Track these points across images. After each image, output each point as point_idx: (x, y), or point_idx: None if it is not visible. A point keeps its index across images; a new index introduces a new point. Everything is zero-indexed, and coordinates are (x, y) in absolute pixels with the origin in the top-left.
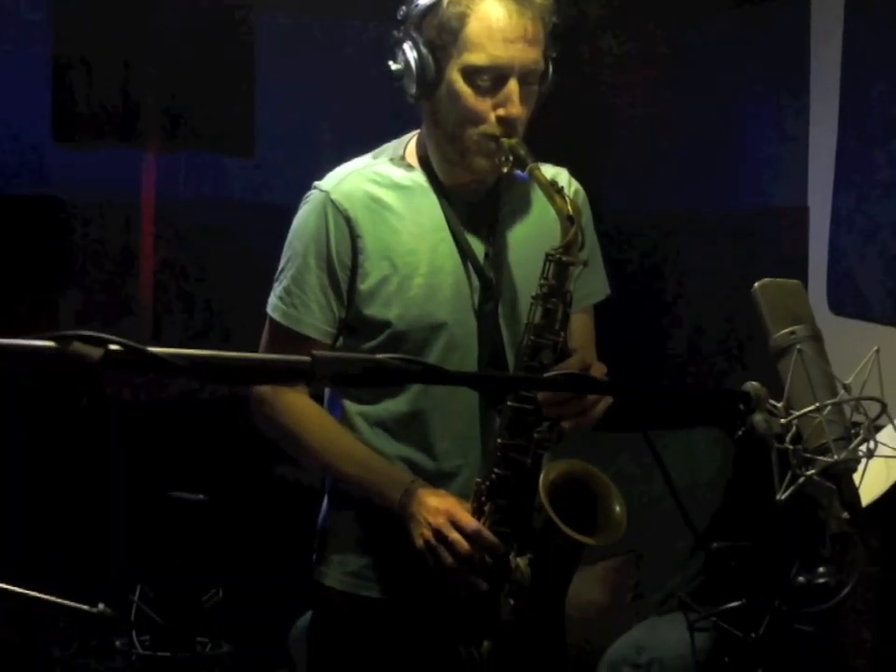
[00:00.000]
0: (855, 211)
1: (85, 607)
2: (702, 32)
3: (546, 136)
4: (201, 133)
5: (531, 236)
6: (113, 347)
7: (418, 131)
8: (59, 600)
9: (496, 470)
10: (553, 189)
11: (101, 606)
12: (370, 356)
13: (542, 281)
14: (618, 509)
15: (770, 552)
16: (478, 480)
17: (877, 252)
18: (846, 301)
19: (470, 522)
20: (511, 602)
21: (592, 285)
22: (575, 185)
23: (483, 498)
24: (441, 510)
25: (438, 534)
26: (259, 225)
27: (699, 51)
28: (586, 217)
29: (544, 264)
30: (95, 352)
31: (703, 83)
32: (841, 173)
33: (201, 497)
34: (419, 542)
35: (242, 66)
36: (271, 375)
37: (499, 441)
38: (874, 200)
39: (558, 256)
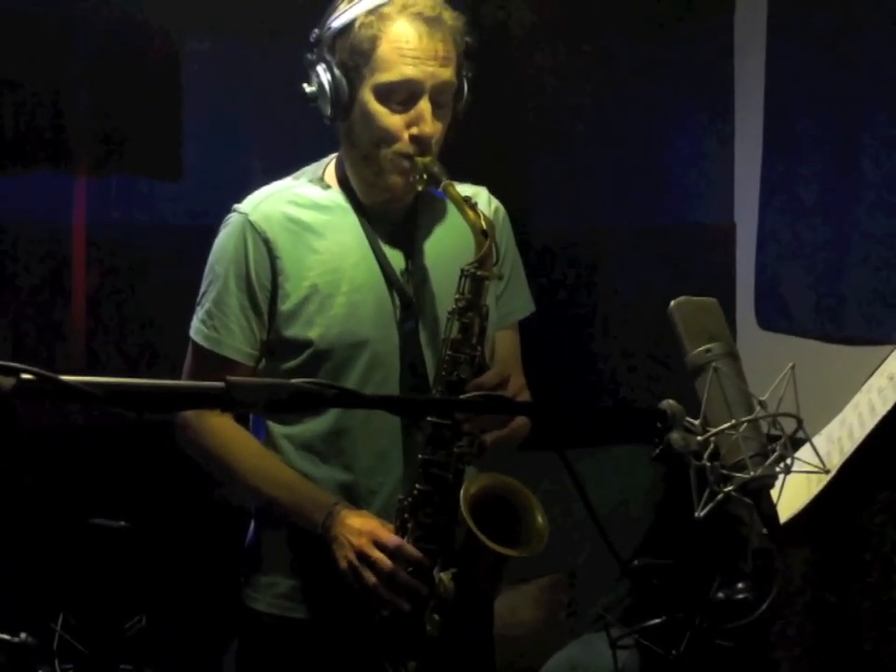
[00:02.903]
0: (781, 227)
1: (7, 636)
2: (627, 50)
3: (470, 154)
4: (128, 157)
5: (449, 252)
6: (25, 376)
7: (336, 154)
8: None
9: (418, 486)
10: (466, 204)
11: (23, 635)
12: (285, 381)
13: (458, 296)
14: (540, 520)
15: (693, 568)
16: (400, 497)
17: (804, 267)
18: (774, 316)
19: (392, 539)
20: (436, 618)
21: (515, 302)
22: (495, 203)
23: (406, 515)
24: (364, 531)
25: (360, 555)
26: (189, 248)
27: (624, 69)
28: (507, 235)
29: (460, 279)
30: (6, 381)
31: (628, 100)
32: (766, 189)
33: (122, 523)
34: (343, 564)
35: (169, 89)
36: (186, 402)
37: (421, 456)
38: (799, 215)
39: (473, 270)
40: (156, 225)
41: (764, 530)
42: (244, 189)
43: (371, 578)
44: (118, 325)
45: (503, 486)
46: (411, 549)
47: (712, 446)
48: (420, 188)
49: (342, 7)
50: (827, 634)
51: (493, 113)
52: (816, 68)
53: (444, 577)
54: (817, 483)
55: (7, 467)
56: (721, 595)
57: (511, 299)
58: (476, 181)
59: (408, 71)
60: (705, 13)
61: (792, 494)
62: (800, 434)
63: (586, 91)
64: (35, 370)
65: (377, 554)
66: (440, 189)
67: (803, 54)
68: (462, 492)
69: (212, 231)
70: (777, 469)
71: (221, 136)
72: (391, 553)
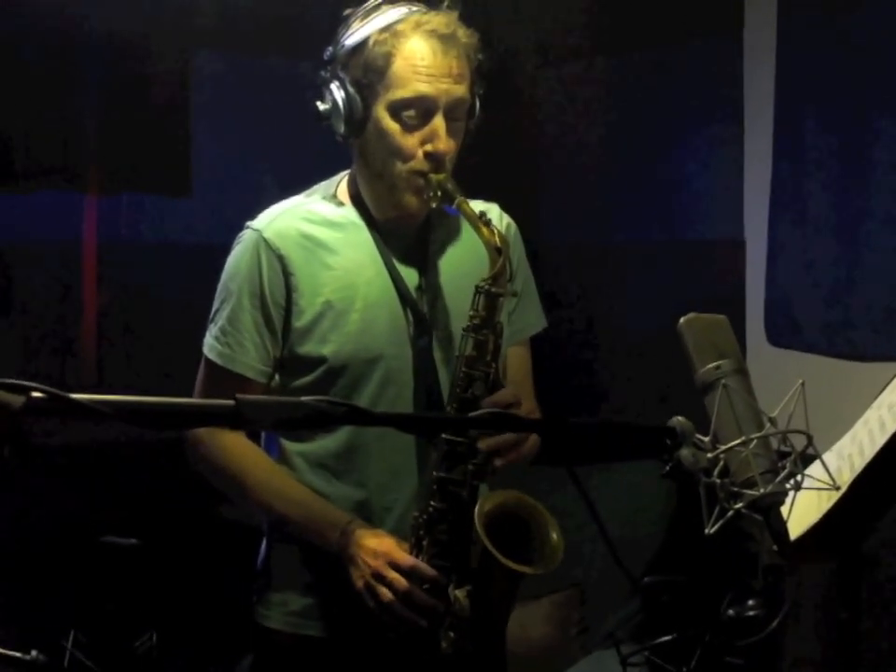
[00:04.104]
0: (791, 242)
1: (18, 654)
2: (636, 64)
3: (480, 170)
4: (138, 175)
5: (463, 269)
6: (35, 394)
7: (349, 171)
8: None
9: (432, 504)
10: (480, 221)
11: (34, 653)
12: (295, 399)
13: (472, 313)
14: (555, 537)
15: (704, 585)
16: (415, 514)
17: (813, 283)
18: (784, 332)
19: (407, 559)
20: (451, 635)
21: (528, 317)
22: (506, 219)
23: (422, 533)
24: (380, 551)
25: (376, 575)
26: (199, 265)
27: (634, 84)
28: (519, 251)
29: (474, 296)
30: (16, 399)
31: (637, 115)
32: (776, 204)
33: (133, 541)
34: (359, 584)
35: (178, 107)
36: (196, 419)
37: (435, 474)
38: (809, 231)
39: (487, 287)
40: (166, 242)
41: (775, 547)
42: (253, 207)
43: (387, 595)
44: (128, 342)
45: (518, 503)
46: (426, 568)
47: (722, 463)
48: (434, 204)
49: (355, 24)
50: (838, 651)
51: (503, 129)
52: (826, 82)
53: (459, 594)
54: (827, 500)
55: (16, 484)
56: (731, 612)
57: (523, 314)
58: (486, 197)
59: (422, 88)
60: (714, 27)
61: (803, 510)
62: (810, 451)
63: (595, 106)
64: (45, 388)
65: (393, 575)
66: (454, 206)
67: (813, 68)
68: (477, 509)
69: (222, 249)
70: (788, 486)
71: (230, 154)
72: (407, 573)
